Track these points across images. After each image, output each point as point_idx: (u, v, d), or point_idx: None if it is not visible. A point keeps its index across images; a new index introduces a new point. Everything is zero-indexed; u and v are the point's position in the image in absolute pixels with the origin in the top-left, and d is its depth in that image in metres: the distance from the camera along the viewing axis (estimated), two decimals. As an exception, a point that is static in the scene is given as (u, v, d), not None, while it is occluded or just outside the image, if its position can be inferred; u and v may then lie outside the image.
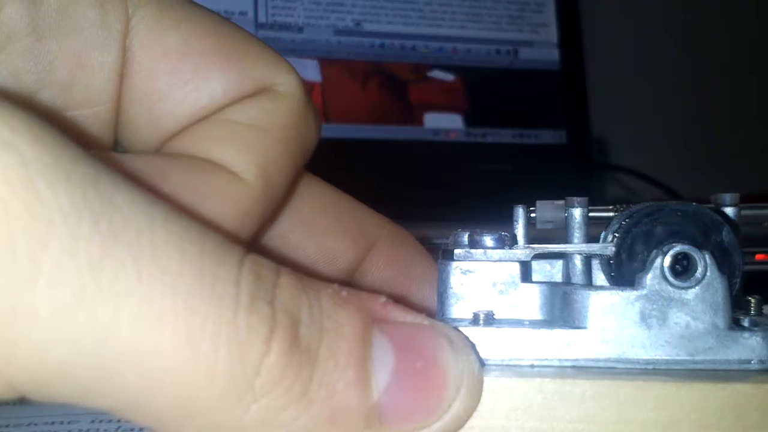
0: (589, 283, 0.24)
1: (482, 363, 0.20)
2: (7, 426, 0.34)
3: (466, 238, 0.24)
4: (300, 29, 0.77)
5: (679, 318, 0.21)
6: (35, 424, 0.34)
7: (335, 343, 0.17)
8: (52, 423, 0.34)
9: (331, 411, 0.17)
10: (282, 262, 0.18)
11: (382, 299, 0.19)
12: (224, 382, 0.16)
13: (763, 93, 0.99)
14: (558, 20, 0.84)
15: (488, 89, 0.82)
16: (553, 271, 0.25)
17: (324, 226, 0.29)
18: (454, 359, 0.19)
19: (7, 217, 0.14)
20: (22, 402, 0.35)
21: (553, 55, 0.84)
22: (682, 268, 0.21)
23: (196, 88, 0.24)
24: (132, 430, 0.33)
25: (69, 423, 0.34)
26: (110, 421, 0.34)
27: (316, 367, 0.17)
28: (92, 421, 0.34)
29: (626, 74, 0.97)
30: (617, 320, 0.21)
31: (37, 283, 0.14)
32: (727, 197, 0.23)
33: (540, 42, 0.84)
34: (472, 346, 0.20)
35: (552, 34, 0.84)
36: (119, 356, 0.15)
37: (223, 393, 0.16)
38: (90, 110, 0.23)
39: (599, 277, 0.24)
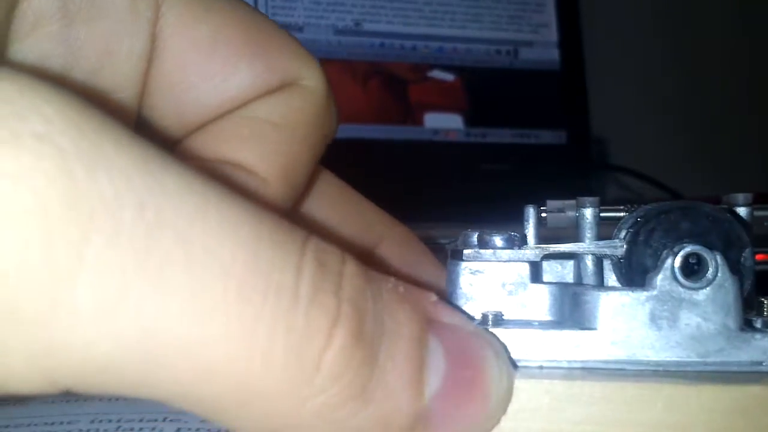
0: (600, 284, 0.23)
1: (516, 368, 0.20)
2: (7, 426, 0.33)
3: (475, 238, 0.23)
4: (300, 29, 0.77)
5: (689, 319, 0.21)
6: (35, 425, 0.33)
7: (394, 343, 0.17)
8: (52, 423, 0.34)
9: (384, 413, 0.16)
10: None
11: (433, 298, 0.18)
12: (281, 375, 0.15)
13: (763, 93, 0.99)
14: (558, 20, 0.84)
15: (488, 89, 0.82)
16: (564, 271, 0.25)
17: (330, 220, 0.28)
18: (499, 371, 0.18)
19: (45, 210, 0.13)
20: (21, 402, 0.35)
21: (553, 55, 0.84)
22: (692, 270, 0.21)
23: (225, 80, 0.23)
24: (132, 430, 0.33)
25: (69, 423, 0.34)
26: (110, 421, 0.34)
27: (375, 366, 0.16)
28: (92, 422, 0.34)
29: (626, 74, 0.97)
30: (627, 321, 0.21)
31: (79, 277, 0.14)
32: (740, 197, 0.23)
33: (540, 42, 0.84)
34: (510, 356, 0.20)
35: (552, 34, 0.84)
36: (168, 348, 0.14)
37: (280, 386, 0.15)
38: (115, 96, 0.23)
39: (611, 278, 0.24)
